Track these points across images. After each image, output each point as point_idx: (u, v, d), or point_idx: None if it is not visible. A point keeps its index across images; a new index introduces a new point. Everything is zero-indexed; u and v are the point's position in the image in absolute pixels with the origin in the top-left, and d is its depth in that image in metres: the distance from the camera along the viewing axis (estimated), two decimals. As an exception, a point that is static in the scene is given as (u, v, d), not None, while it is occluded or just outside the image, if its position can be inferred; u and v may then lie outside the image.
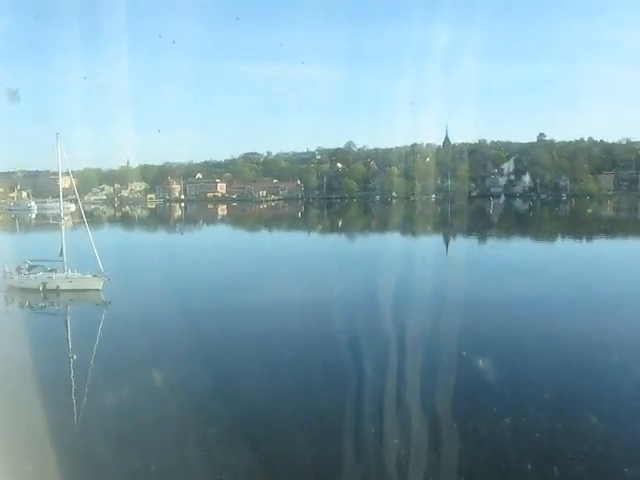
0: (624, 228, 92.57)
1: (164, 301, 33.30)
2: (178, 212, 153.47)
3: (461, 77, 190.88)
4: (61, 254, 40.91)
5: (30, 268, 41.77)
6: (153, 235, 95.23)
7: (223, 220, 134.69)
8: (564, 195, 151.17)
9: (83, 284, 40.42)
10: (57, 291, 40.52)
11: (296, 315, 32.65)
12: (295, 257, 58.33)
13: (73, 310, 39.16)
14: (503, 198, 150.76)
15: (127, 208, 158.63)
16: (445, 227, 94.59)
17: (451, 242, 76.31)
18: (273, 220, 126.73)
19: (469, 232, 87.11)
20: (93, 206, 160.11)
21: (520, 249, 66.94)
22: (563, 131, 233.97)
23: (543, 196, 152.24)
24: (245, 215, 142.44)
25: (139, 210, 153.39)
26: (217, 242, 79.46)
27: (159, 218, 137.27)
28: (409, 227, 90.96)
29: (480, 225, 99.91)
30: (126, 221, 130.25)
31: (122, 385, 21.30)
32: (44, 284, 40.81)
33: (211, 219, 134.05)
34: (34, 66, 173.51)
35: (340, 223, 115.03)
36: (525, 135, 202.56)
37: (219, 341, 28.33)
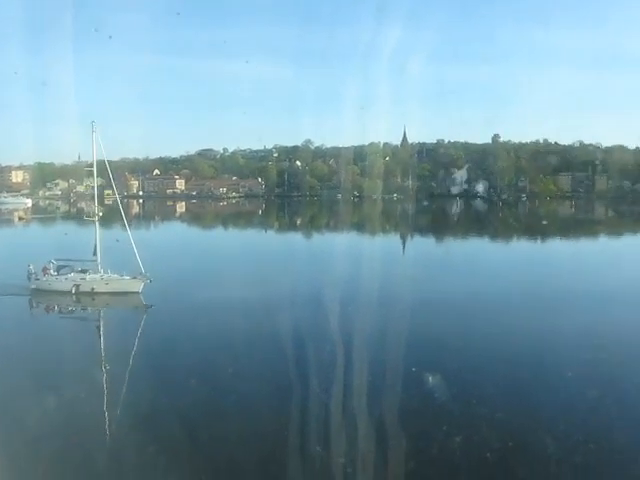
0: (587, 227, 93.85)
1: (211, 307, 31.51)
2: (136, 209, 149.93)
3: (416, 77, 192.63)
4: (95, 253, 37.45)
5: (59, 268, 37.82)
6: (108, 231, 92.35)
7: (181, 217, 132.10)
8: (524, 196, 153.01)
9: (122, 286, 36.79)
10: (92, 294, 36.76)
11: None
12: (251, 254, 56.96)
13: (109, 314, 35.79)
14: (464, 198, 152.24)
15: (82, 204, 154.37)
16: (406, 226, 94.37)
17: (411, 241, 76.08)
18: (233, 217, 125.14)
19: (430, 231, 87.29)
20: (47, 201, 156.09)
21: (481, 248, 67.04)
22: (517, 133, 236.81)
23: (504, 196, 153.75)
24: (205, 212, 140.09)
25: (93, 206, 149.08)
26: (173, 239, 77.33)
27: (115, 215, 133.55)
28: (370, 226, 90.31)
29: (441, 225, 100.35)
30: (80, 217, 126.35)
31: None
32: (77, 286, 36.86)
33: (169, 216, 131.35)
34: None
35: (301, 221, 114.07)
36: (480, 136, 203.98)
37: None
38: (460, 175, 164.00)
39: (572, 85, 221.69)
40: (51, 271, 37.69)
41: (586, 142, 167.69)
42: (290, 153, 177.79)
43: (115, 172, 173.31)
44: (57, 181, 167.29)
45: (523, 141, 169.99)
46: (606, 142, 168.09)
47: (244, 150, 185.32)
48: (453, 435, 16.92)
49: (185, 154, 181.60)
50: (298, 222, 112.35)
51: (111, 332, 30.47)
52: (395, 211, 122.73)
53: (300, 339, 24.65)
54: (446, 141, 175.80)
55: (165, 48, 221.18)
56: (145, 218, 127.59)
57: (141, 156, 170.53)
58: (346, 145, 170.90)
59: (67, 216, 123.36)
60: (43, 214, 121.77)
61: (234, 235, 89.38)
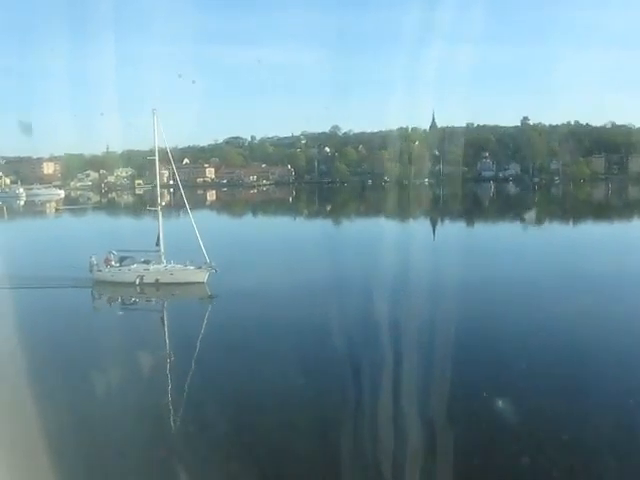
0: (623, 211, 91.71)
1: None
2: (167, 198, 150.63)
3: (444, 60, 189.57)
4: (158, 243, 36.87)
5: (121, 259, 37.28)
6: (140, 221, 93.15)
7: (212, 205, 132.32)
8: (557, 178, 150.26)
9: (186, 276, 36.18)
10: (156, 285, 36.12)
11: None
12: (291, 242, 56.56)
13: (175, 305, 35.26)
14: (496, 182, 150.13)
15: (113, 194, 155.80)
16: (440, 212, 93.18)
17: (445, 227, 75.09)
18: (264, 205, 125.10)
19: (465, 217, 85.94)
20: (79, 192, 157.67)
21: (518, 233, 65.84)
22: (548, 115, 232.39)
23: (536, 179, 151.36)
24: (235, 200, 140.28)
25: (125, 196, 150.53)
26: (210, 228, 77.17)
27: (147, 204, 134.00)
28: (403, 212, 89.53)
29: (476, 210, 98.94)
30: (113, 207, 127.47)
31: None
32: (141, 277, 36.25)
33: (200, 204, 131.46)
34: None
35: (334, 208, 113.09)
36: (510, 119, 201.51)
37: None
38: (491, 158, 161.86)
39: (602, 65, 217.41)
40: (112, 262, 37.25)
41: (618, 123, 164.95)
42: (318, 140, 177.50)
43: (145, 162, 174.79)
44: (88, 172, 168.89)
45: (554, 123, 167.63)
46: (639, 123, 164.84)
47: (272, 138, 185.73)
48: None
49: (213, 142, 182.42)
50: (329, 209, 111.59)
51: (179, 323, 30.06)
52: (428, 196, 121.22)
53: (367, 327, 24.50)
54: (475, 124, 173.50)
55: (190, 36, 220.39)
56: (176, 207, 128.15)
57: (170, 145, 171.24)
58: (374, 130, 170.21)
59: (99, 206, 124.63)
60: (75, 204, 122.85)
61: (269, 223, 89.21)
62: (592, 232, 67.04)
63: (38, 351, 19.90)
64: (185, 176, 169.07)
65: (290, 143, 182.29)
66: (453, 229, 73.39)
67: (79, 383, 19.18)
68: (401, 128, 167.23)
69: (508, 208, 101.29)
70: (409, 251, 45.05)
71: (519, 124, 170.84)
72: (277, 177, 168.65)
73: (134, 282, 35.98)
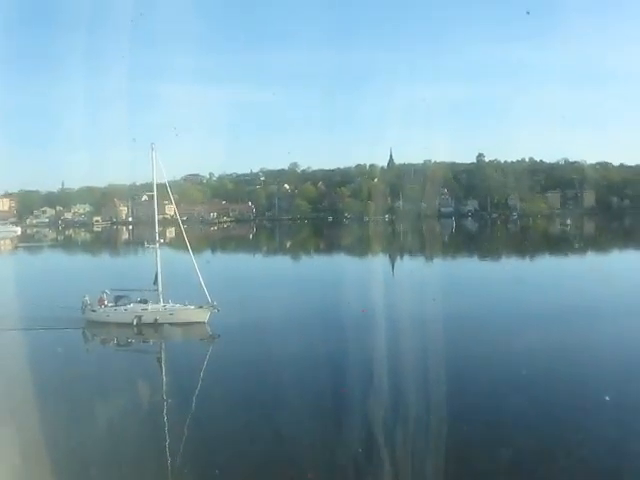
0: (582, 243, 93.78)
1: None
2: (125, 235, 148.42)
3: (401, 99, 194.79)
4: (155, 282, 34.88)
5: (117, 299, 35.30)
6: (95, 258, 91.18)
7: (171, 242, 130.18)
8: (515, 214, 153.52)
9: (187, 316, 34.39)
10: (155, 325, 34.15)
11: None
12: (262, 278, 56.73)
13: (176, 347, 32.88)
14: (455, 217, 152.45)
15: (71, 231, 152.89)
16: (400, 248, 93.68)
17: (405, 262, 75.31)
18: (224, 241, 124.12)
19: (424, 252, 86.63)
20: (35, 229, 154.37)
21: (478, 269, 66.39)
22: (503, 152, 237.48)
23: (494, 215, 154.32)
24: (195, 237, 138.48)
25: (83, 234, 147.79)
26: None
27: (104, 241, 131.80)
28: (364, 248, 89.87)
29: (435, 245, 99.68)
30: (70, 245, 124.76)
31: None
32: (139, 317, 34.37)
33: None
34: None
35: (294, 244, 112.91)
36: (466, 156, 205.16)
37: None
38: (450, 195, 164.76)
39: (554, 103, 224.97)
40: (106, 302, 35.34)
41: (571, 160, 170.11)
42: (277, 176, 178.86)
43: (104, 198, 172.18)
44: (44, 208, 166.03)
45: (509, 160, 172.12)
46: (590, 159, 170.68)
47: (230, 174, 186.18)
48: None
49: (172, 179, 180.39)
50: (289, 245, 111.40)
51: (182, 367, 27.80)
52: (388, 232, 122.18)
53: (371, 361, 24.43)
54: (433, 161, 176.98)
55: (141, 73, 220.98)
56: (135, 243, 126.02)
57: (128, 182, 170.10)
58: (332, 168, 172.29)
59: (56, 244, 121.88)
60: (31, 242, 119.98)
61: (228, 259, 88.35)
62: (548, 266, 68.05)
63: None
64: (144, 212, 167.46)
65: (249, 180, 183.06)
66: (413, 264, 73.74)
67: (72, 432, 17.94)
68: (359, 165, 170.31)
69: (468, 243, 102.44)
70: (367, 287, 45.08)
71: (475, 161, 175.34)
72: (237, 214, 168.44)
73: (131, 322, 34.19)
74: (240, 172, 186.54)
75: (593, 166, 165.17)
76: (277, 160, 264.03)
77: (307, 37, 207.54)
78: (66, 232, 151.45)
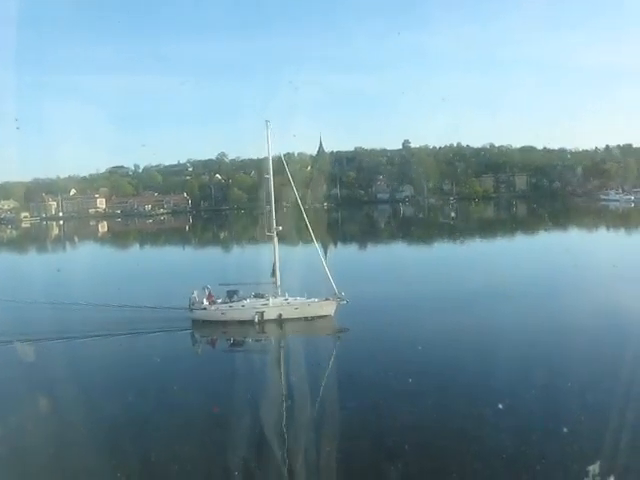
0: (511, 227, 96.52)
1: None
2: (55, 231, 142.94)
3: (328, 87, 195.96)
4: (273, 274, 32.55)
5: (230, 294, 32.48)
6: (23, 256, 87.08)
7: (103, 237, 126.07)
8: (452, 199, 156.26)
9: (313, 310, 32.01)
10: (279, 321, 31.68)
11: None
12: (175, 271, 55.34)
13: (303, 343, 29.68)
14: (392, 203, 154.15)
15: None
16: (338, 234, 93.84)
17: (340, 249, 75.52)
18: (160, 234, 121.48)
19: (361, 238, 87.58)
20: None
21: (411, 252, 67.77)
22: (429, 138, 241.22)
23: (432, 200, 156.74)
24: (129, 231, 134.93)
25: (9, 230, 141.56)
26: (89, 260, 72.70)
27: (33, 238, 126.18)
28: (302, 235, 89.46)
29: (372, 231, 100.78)
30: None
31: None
32: (261, 314, 31.72)
33: (90, 237, 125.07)
34: None
35: (230, 234, 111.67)
36: (394, 142, 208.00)
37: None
38: (385, 181, 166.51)
39: (475, 87, 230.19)
40: (214, 298, 32.63)
41: (496, 144, 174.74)
42: (205, 166, 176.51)
43: (31, 193, 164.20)
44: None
45: (437, 146, 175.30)
46: (515, 143, 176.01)
47: (157, 166, 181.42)
48: None
49: (95, 172, 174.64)
50: (224, 236, 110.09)
51: (332, 368, 24.67)
52: (325, 220, 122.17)
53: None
54: (364, 148, 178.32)
55: (63, 65, 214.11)
56: (66, 240, 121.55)
57: (52, 175, 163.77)
58: (260, 157, 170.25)
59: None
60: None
61: (164, 252, 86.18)
62: (483, 248, 69.75)
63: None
64: (75, 207, 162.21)
65: (177, 170, 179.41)
66: (349, 251, 74.29)
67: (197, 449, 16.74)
68: (287, 153, 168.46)
69: (405, 228, 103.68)
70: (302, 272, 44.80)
71: (401, 147, 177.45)
72: (173, 206, 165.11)
73: (252, 320, 31.68)
74: (167, 163, 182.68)
75: (519, 150, 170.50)
76: (203, 151, 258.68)
77: (230, 25, 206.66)
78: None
